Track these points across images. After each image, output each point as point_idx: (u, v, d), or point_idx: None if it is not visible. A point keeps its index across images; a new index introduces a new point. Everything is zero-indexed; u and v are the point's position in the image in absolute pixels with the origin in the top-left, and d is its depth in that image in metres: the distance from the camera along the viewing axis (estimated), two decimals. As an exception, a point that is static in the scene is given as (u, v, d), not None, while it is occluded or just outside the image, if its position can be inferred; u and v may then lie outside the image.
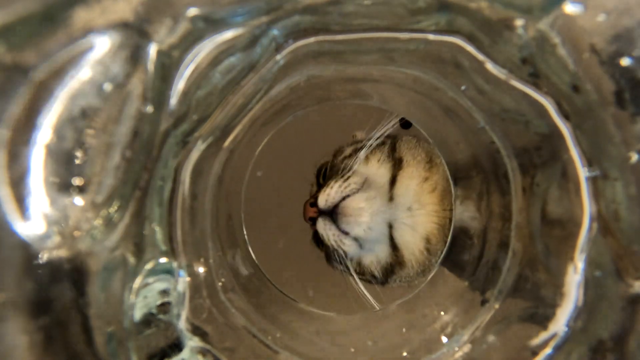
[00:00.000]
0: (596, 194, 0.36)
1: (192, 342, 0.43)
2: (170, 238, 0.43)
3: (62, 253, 0.32)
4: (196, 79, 0.36)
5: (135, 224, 0.38)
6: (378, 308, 0.63)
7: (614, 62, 0.32)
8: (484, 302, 0.48)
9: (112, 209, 0.34)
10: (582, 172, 0.36)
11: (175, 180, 0.43)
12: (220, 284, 0.51)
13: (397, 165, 0.64)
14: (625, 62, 0.31)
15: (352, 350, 0.55)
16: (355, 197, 0.60)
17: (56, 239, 0.31)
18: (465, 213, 0.59)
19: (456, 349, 0.47)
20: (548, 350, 0.38)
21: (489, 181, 0.54)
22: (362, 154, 0.64)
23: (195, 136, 0.42)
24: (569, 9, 0.32)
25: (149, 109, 0.34)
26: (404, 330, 0.57)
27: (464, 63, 0.41)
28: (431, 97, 0.53)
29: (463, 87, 0.45)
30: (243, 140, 0.57)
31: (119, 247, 0.36)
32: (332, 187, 0.61)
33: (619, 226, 0.35)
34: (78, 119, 0.31)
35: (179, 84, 0.35)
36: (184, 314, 0.43)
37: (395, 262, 0.65)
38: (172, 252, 0.43)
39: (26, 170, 0.29)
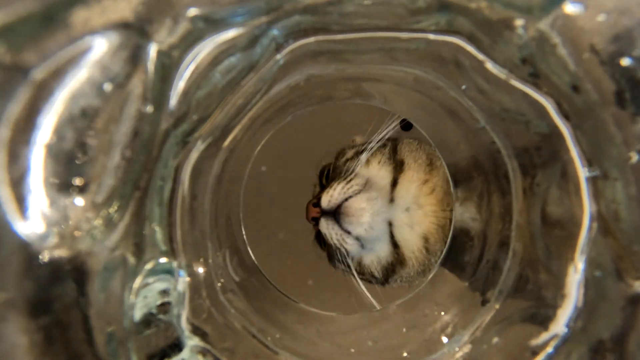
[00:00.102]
0: (596, 194, 0.36)
1: (192, 342, 0.43)
2: (170, 238, 0.43)
3: (62, 253, 0.32)
4: (196, 79, 0.36)
5: (135, 224, 0.38)
6: (378, 308, 0.64)
7: (614, 62, 0.32)
8: (484, 303, 0.48)
9: (112, 209, 0.34)
10: (582, 172, 0.36)
11: (175, 180, 0.43)
12: (219, 284, 0.51)
13: (398, 167, 0.65)
14: (625, 62, 0.31)
15: (352, 350, 0.55)
16: (357, 197, 0.62)
17: (56, 239, 0.31)
18: (466, 214, 0.60)
19: (456, 349, 0.47)
20: (548, 350, 0.38)
21: (489, 182, 0.54)
22: (363, 157, 0.66)
23: (195, 136, 0.42)
24: (569, 9, 0.32)
25: (149, 109, 0.34)
26: (404, 330, 0.57)
27: (464, 63, 0.41)
28: (431, 96, 0.53)
29: (463, 87, 0.45)
30: (243, 140, 0.57)
31: (119, 247, 0.36)
32: (334, 189, 0.63)
33: (619, 226, 0.35)
34: (78, 119, 0.31)
35: (179, 84, 0.35)
36: (184, 314, 0.43)
37: (396, 261, 0.66)
38: (172, 252, 0.43)
39: (26, 170, 0.29)
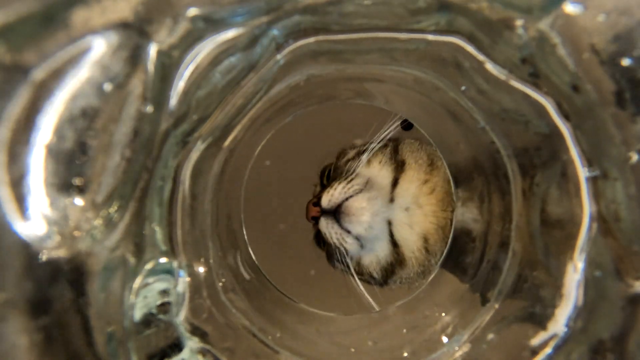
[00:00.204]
0: (596, 194, 0.36)
1: (192, 342, 0.43)
2: (170, 238, 0.43)
3: (62, 253, 0.32)
4: (196, 79, 0.36)
5: (135, 224, 0.38)
6: (377, 309, 0.64)
7: (614, 62, 0.32)
8: (484, 302, 0.48)
9: (112, 209, 0.34)
10: (582, 172, 0.36)
11: (175, 180, 0.43)
12: (220, 284, 0.51)
13: (399, 167, 0.66)
14: (625, 62, 0.31)
15: (353, 350, 0.55)
16: (358, 197, 0.62)
17: (56, 239, 0.31)
18: (467, 215, 0.60)
19: (456, 348, 0.47)
20: (548, 350, 0.38)
21: (489, 182, 0.54)
22: (364, 157, 0.66)
23: (195, 136, 0.42)
24: (569, 9, 0.32)
25: (149, 109, 0.34)
26: (404, 330, 0.57)
27: (464, 63, 0.41)
28: (431, 97, 0.53)
29: (463, 87, 0.45)
30: (243, 140, 0.57)
31: (119, 247, 0.36)
32: (335, 188, 0.63)
33: (619, 226, 0.35)
34: (78, 119, 0.31)
35: (179, 84, 0.35)
36: (184, 314, 0.43)
37: (396, 261, 0.66)
38: (172, 252, 0.43)
39: (26, 170, 0.29)
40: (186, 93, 0.36)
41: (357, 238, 0.63)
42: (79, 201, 0.32)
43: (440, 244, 0.63)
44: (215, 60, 0.37)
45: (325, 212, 0.63)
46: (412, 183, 0.64)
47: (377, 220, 0.62)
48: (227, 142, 0.52)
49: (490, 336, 0.45)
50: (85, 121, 0.31)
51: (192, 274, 0.46)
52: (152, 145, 0.36)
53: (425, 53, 0.43)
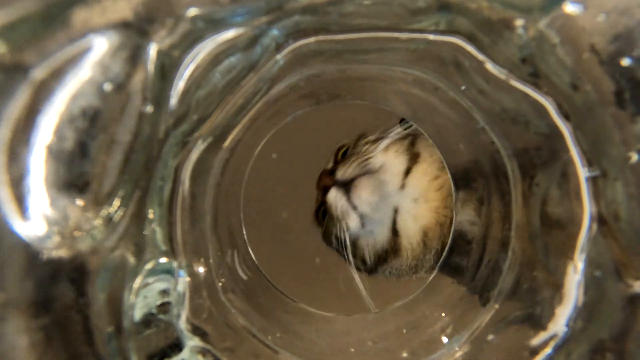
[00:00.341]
0: (596, 194, 0.36)
1: (192, 342, 0.43)
2: (170, 238, 0.43)
3: (62, 253, 0.32)
4: (196, 79, 0.36)
5: (135, 224, 0.38)
6: (373, 307, 0.64)
7: (614, 62, 0.32)
8: (484, 303, 0.48)
9: (112, 209, 0.34)
10: (582, 172, 0.36)
11: (175, 180, 0.43)
12: (220, 284, 0.51)
13: (413, 158, 0.67)
14: (625, 62, 0.31)
15: (352, 350, 0.55)
16: (372, 176, 0.64)
17: (56, 239, 0.31)
18: (467, 215, 0.60)
19: (456, 348, 0.47)
20: (548, 350, 0.38)
21: (489, 182, 0.54)
22: (385, 142, 0.67)
23: (195, 136, 0.42)
24: (569, 9, 0.32)
25: (149, 109, 0.34)
26: (404, 331, 0.57)
27: (464, 63, 0.41)
28: (431, 96, 0.53)
29: (463, 87, 0.45)
30: (243, 140, 0.57)
31: (119, 247, 0.36)
32: (352, 163, 0.65)
33: (619, 226, 0.35)
34: (78, 119, 0.31)
35: (179, 84, 0.35)
36: (184, 314, 0.43)
37: (391, 249, 0.67)
38: (172, 252, 0.43)
39: (26, 170, 0.29)
40: (186, 93, 0.36)
41: (361, 216, 0.64)
42: (79, 201, 0.32)
43: (437, 241, 0.64)
44: (215, 60, 0.37)
45: (337, 184, 0.65)
46: (424, 176, 0.65)
47: (385, 203, 0.64)
48: (227, 142, 0.52)
49: (490, 337, 0.45)
50: (85, 121, 0.31)
51: (192, 274, 0.46)
52: (152, 145, 0.36)
53: (425, 53, 0.43)
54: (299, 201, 0.78)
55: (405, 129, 0.68)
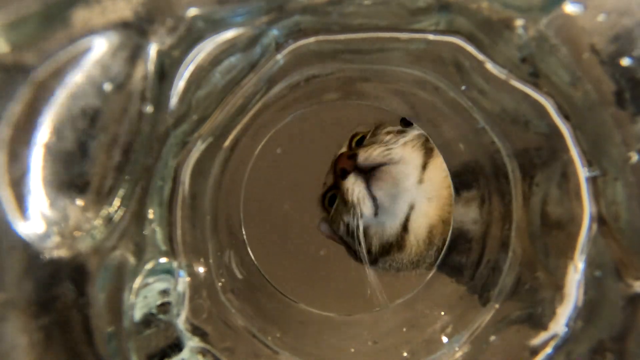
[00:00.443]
0: (596, 194, 0.36)
1: (192, 342, 0.43)
2: (170, 238, 0.43)
3: (62, 253, 0.32)
4: (196, 79, 0.36)
5: (135, 224, 0.38)
6: (381, 300, 0.64)
7: (614, 62, 0.32)
8: (484, 303, 0.48)
9: (112, 209, 0.34)
10: (582, 172, 0.36)
11: (175, 180, 0.43)
12: (220, 284, 0.51)
13: (428, 153, 0.67)
14: (625, 62, 0.31)
15: (352, 350, 0.55)
16: (397, 166, 0.63)
17: (56, 239, 0.31)
18: (467, 215, 0.60)
19: (456, 348, 0.47)
20: (548, 350, 0.38)
21: (489, 182, 0.54)
22: (409, 136, 0.67)
23: (195, 136, 0.42)
24: (569, 9, 0.32)
25: (149, 109, 0.34)
26: (404, 330, 0.57)
27: (464, 63, 0.41)
28: (431, 96, 0.53)
29: (463, 87, 0.45)
30: (243, 140, 0.57)
31: (119, 247, 0.36)
32: (374, 149, 0.64)
33: (619, 226, 0.35)
34: (78, 119, 0.31)
35: (179, 84, 0.35)
36: (184, 314, 0.43)
37: (397, 244, 0.66)
38: (172, 252, 0.43)
39: (26, 170, 0.29)
40: (186, 93, 0.36)
41: (377, 206, 0.64)
42: (79, 201, 0.32)
43: (439, 237, 0.64)
44: (215, 60, 0.37)
45: (357, 169, 0.64)
46: (438, 171, 0.65)
47: (403, 198, 0.64)
48: (227, 142, 0.52)
49: (491, 337, 0.45)
50: (85, 121, 0.31)
51: (192, 274, 0.46)
52: (152, 145, 0.36)
53: (425, 53, 0.43)
54: (299, 201, 0.78)
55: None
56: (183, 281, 0.44)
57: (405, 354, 0.51)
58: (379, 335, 0.59)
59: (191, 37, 0.34)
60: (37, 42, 0.28)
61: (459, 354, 0.47)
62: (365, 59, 0.48)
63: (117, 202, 0.34)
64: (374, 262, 0.69)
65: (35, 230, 0.30)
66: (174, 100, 0.35)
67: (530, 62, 0.36)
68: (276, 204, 0.83)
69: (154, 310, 0.41)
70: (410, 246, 0.66)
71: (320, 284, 0.75)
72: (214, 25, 0.34)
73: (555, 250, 0.40)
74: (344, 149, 0.74)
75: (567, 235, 0.38)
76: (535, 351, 0.39)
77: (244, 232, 0.68)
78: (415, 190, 0.64)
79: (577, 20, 0.32)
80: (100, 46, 0.30)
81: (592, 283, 0.37)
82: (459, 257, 0.61)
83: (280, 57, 0.41)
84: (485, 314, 0.47)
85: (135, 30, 0.31)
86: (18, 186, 0.29)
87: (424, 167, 0.66)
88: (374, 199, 0.63)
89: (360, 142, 0.72)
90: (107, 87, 0.31)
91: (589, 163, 0.36)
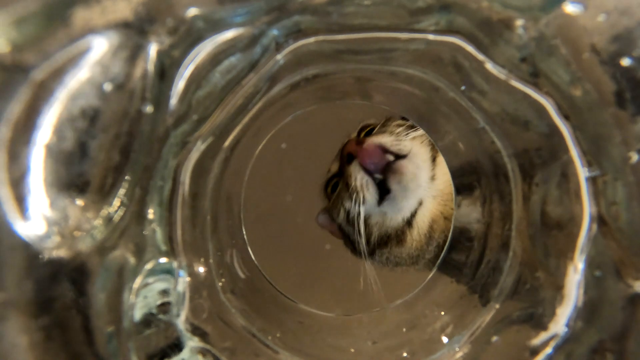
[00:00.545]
0: (596, 194, 0.36)
1: (192, 342, 0.43)
2: (170, 238, 0.43)
3: (62, 253, 0.32)
4: (196, 79, 0.36)
5: (135, 224, 0.38)
6: (379, 296, 0.64)
7: (614, 62, 0.32)
8: (484, 303, 0.48)
9: (112, 209, 0.34)
10: (582, 172, 0.36)
11: (175, 180, 0.43)
12: (220, 284, 0.51)
13: (434, 149, 0.67)
14: (625, 62, 0.31)
15: (352, 350, 0.55)
16: (412, 161, 0.63)
17: (56, 239, 0.31)
18: (467, 215, 0.60)
19: (457, 349, 0.47)
20: (548, 350, 0.38)
21: (489, 182, 0.54)
22: (420, 131, 0.66)
23: (195, 136, 0.42)
24: (569, 9, 0.32)
25: (149, 109, 0.34)
26: (404, 330, 0.57)
27: (464, 63, 0.41)
28: (431, 97, 0.53)
29: (463, 87, 0.45)
30: (243, 140, 0.57)
31: (119, 247, 0.36)
32: (384, 137, 0.63)
33: (619, 226, 0.35)
34: (78, 119, 0.31)
35: (179, 84, 0.35)
36: (184, 314, 0.43)
37: (396, 237, 0.66)
38: (172, 252, 0.43)
39: (26, 170, 0.29)
40: (186, 93, 0.36)
41: (383, 192, 0.63)
42: (79, 201, 0.32)
43: (440, 233, 0.64)
44: (215, 60, 0.37)
45: None
46: (444, 168, 0.65)
47: (416, 193, 0.63)
48: (227, 142, 0.52)
49: (491, 337, 0.45)
50: (85, 121, 0.31)
51: (192, 274, 0.46)
52: (152, 145, 0.36)
53: (425, 53, 0.43)
54: (299, 201, 0.78)
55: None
56: (183, 281, 0.44)
57: (405, 354, 0.51)
58: (379, 336, 0.59)
59: (191, 37, 0.34)
60: (37, 42, 0.28)
61: (459, 354, 0.47)
62: (365, 59, 0.48)
63: (117, 202, 0.34)
64: (371, 253, 0.68)
65: (36, 231, 0.30)
66: (174, 100, 0.35)
67: (530, 62, 0.36)
68: (277, 204, 0.83)
69: (154, 310, 0.41)
70: (412, 241, 0.65)
71: (320, 284, 0.75)
72: (214, 25, 0.34)
73: (556, 250, 0.40)
74: (353, 135, 0.73)
75: (567, 235, 0.38)
76: (535, 351, 0.39)
77: (244, 232, 0.68)
78: (427, 186, 0.64)
79: (577, 20, 0.32)
80: (100, 46, 0.30)
81: (592, 283, 0.37)
82: (459, 256, 0.61)
83: (280, 57, 0.41)
84: (486, 314, 0.47)
85: (135, 30, 0.31)
86: (18, 186, 0.29)
87: (433, 160, 0.65)
88: (388, 191, 0.62)
89: (369, 133, 0.71)
90: (107, 87, 0.31)
91: (589, 163, 0.36)
